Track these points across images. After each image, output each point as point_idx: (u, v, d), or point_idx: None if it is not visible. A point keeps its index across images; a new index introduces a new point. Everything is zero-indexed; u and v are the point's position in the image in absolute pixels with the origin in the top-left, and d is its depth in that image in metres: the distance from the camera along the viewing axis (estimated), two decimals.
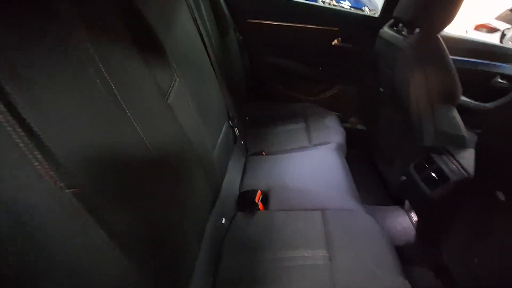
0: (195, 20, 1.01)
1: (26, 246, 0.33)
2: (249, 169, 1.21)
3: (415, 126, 1.16)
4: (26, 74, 0.36)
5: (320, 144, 1.31)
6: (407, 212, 1.26)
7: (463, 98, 1.23)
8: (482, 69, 1.39)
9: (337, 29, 1.50)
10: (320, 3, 1.73)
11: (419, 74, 1.06)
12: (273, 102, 1.71)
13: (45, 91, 0.38)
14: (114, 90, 0.49)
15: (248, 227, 0.92)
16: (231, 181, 1.08)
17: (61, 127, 0.39)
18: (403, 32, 1.21)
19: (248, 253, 0.83)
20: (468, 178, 0.97)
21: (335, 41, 1.53)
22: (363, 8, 3.88)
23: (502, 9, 3.09)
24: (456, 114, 1.10)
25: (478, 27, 3.32)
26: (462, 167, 1.01)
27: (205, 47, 1.04)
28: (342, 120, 1.59)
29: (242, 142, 1.33)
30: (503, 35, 2.90)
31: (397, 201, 1.38)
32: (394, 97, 1.26)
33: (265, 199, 1.03)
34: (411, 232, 1.21)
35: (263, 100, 1.74)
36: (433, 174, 1.06)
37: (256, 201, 0.99)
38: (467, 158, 1.04)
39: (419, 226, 1.17)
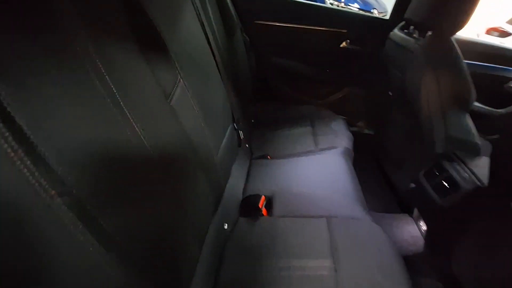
0: (200, 19, 0.99)
1: (15, 256, 0.31)
2: (253, 173, 1.18)
3: (426, 131, 1.12)
4: (17, 73, 0.34)
5: (326, 149, 1.28)
6: (416, 221, 1.22)
7: (475, 103, 1.19)
8: (495, 74, 1.36)
9: (345, 31, 1.47)
10: (328, 5, 1.71)
11: (431, 78, 1.02)
12: (279, 104, 1.68)
13: (38, 91, 0.36)
14: (114, 91, 0.47)
15: (250, 234, 0.89)
16: (235, 185, 1.05)
17: (55, 130, 0.37)
18: (414, 35, 1.18)
19: (250, 261, 0.81)
20: (481, 187, 0.94)
21: (344, 44, 1.51)
22: (371, 10, 3.86)
23: None
24: (469, 120, 1.06)
25: (490, 31, 3.27)
26: (475, 176, 0.98)
27: (211, 48, 1.02)
28: (349, 124, 1.55)
29: (247, 145, 1.30)
30: None
31: (405, 208, 1.34)
32: (404, 101, 1.23)
33: (269, 204, 1.00)
34: (420, 241, 1.18)
35: (269, 102, 1.72)
36: (444, 182, 1.02)
37: (260, 207, 0.96)
38: (480, 166, 1.00)
39: (428, 235, 1.13)
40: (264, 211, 0.97)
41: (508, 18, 3.09)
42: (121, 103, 0.48)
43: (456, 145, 1.07)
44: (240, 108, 1.26)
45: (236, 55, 1.34)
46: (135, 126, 0.51)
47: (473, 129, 1.06)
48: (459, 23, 0.96)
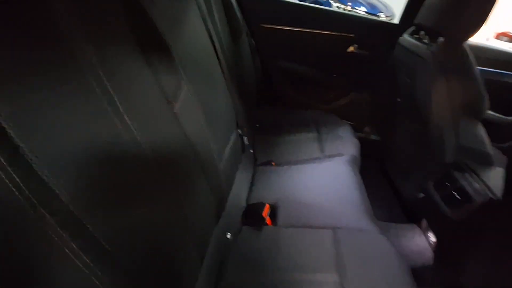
0: (205, 22, 0.97)
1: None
2: (257, 180, 1.15)
3: (436, 139, 1.09)
4: (7, 80, 0.32)
5: (333, 156, 1.24)
6: (424, 232, 1.18)
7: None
8: (506, 80, 1.32)
9: (353, 35, 1.45)
10: (335, 9, 1.69)
11: (442, 85, 0.99)
12: (283, 108, 1.66)
13: (31, 95, 0.34)
14: (113, 96, 0.45)
15: (254, 244, 0.87)
16: (238, 192, 1.03)
17: (46, 136, 0.35)
18: (425, 40, 1.14)
19: (253, 273, 0.78)
20: (494, 199, 0.90)
21: (351, 48, 1.48)
22: (378, 14, 3.83)
23: None
24: (481, 129, 1.03)
25: (499, 36, 3.22)
26: (487, 187, 0.94)
27: (216, 51, 1.00)
28: (355, 129, 1.52)
29: (251, 151, 1.28)
30: None
31: (412, 218, 1.31)
32: (413, 108, 1.19)
33: (273, 213, 0.97)
34: (428, 253, 1.14)
35: (274, 106, 1.69)
36: (455, 194, 0.99)
37: (264, 216, 0.93)
38: (493, 177, 0.97)
39: (437, 247, 1.09)
40: (268, 220, 0.94)
41: None
42: (121, 109, 0.46)
43: (467, 155, 1.03)
44: (244, 113, 1.24)
45: (242, 59, 1.32)
46: (135, 134, 0.48)
47: (486, 139, 1.03)
48: (472, 29, 0.93)
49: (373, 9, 3.52)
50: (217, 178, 0.83)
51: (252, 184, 1.13)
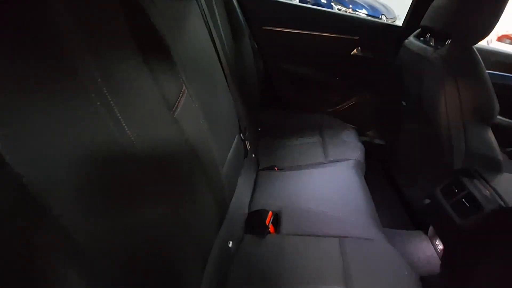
0: (207, 23, 0.94)
1: None
2: (260, 185, 1.12)
3: (443, 144, 1.06)
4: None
5: (337, 161, 1.21)
6: (431, 239, 1.15)
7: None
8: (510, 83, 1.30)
9: (357, 38, 1.42)
10: (336, 11, 1.66)
11: (451, 89, 0.96)
12: (287, 112, 1.63)
13: (25, 97, 0.31)
14: (109, 99, 0.42)
15: (257, 253, 0.83)
16: (240, 199, 0.99)
17: (34, 141, 0.32)
18: (431, 43, 1.11)
19: (256, 285, 0.75)
20: (505, 207, 0.87)
21: (355, 51, 1.45)
22: (380, 16, 3.80)
23: None
24: (491, 134, 1.00)
25: (502, 38, 3.20)
26: (498, 194, 0.91)
27: (217, 54, 0.97)
28: (359, 133, 1.49)
29: (254, 155, 1.25)
30: None
31: (419, 224, 1.27)
32: (419, 112, 1.17)
33: (277, 220, 0.94)
34: (435, 260, 1.10)
35: (276, 109, 1.66)
36: (464, 201, 0.96)
37: (267, 223, 0.90)
38: (503, 184, 0.94)
39: (445, 255, 1.06)
40: (271, 228, 0.91)
41: None
42: (118, 114, 0.43)
43: (476, 161, 1.00)
44: (246, 116, 1.21)
45: (244, 61, 1.29)
46: (133, 139, 0.45)
47: (495, 144, 1.00)
48: (483, 32, 0.90)
49: (374, 12, 3.50)
50: (219, 185, 0.80)
51: (254, 189, 1.10)
